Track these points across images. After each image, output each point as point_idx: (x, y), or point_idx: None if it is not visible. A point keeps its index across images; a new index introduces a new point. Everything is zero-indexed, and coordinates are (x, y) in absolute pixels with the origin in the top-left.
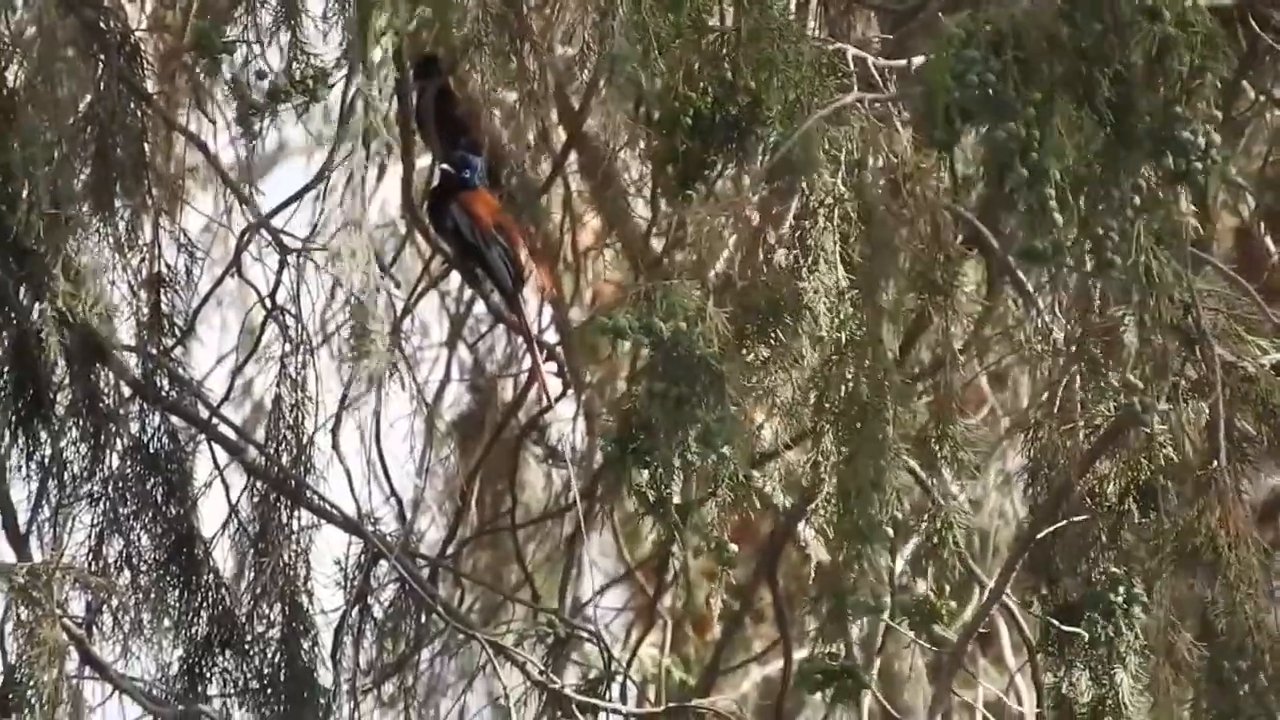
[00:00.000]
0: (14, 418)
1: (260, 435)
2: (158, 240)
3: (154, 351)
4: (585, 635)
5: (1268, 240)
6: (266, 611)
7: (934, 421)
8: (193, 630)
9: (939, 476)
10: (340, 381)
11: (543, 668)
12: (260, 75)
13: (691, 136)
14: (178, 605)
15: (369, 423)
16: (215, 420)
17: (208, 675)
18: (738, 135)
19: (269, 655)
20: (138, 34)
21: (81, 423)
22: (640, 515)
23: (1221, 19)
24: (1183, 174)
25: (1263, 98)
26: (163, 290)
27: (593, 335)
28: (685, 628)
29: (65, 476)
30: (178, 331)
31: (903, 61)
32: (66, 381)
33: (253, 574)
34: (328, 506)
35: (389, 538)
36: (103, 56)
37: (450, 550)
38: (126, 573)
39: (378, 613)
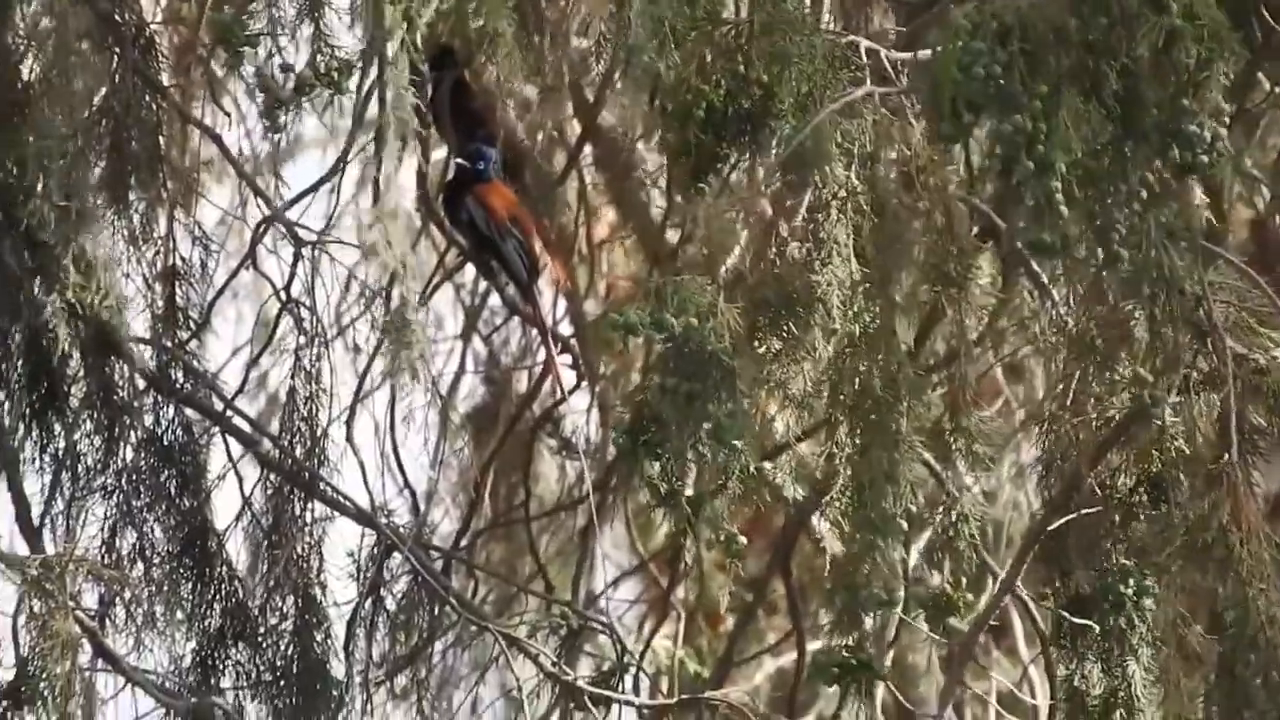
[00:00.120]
0: (28, 410)
1: (274, 428)
2: (173, 233)
3: (169, 344)
4: (598, 627)
5: None
6: (280, 604)
7: (948, 413)
8: (206, 623)
9: (954, 469)
10: (354, 374)
11: (556, 659)
12: (285, 69)
13: (704, 130)
14: (191, 598)
15: (383, 415)
16: (229, 413)
17: (221, 668)
18: (750, 128)
19: (282, 648)
20: (152, 27)
21: (95, 415)
22: (652, 508)
23: (1236, 10)
24: (1189, 167)
25: (1278, 89)
26: (178, 283)
27: (605, 332)
28: (698, 620)
29: (79, 469)
30: (192, 324)
31: (916, 54)
32: (81, 374)
33: (266, 566)
34: (341, 499)
35: (402, 530)
36: (117, 49)
37: (464, 542)
38: (140, 565)
39: (391, 605)
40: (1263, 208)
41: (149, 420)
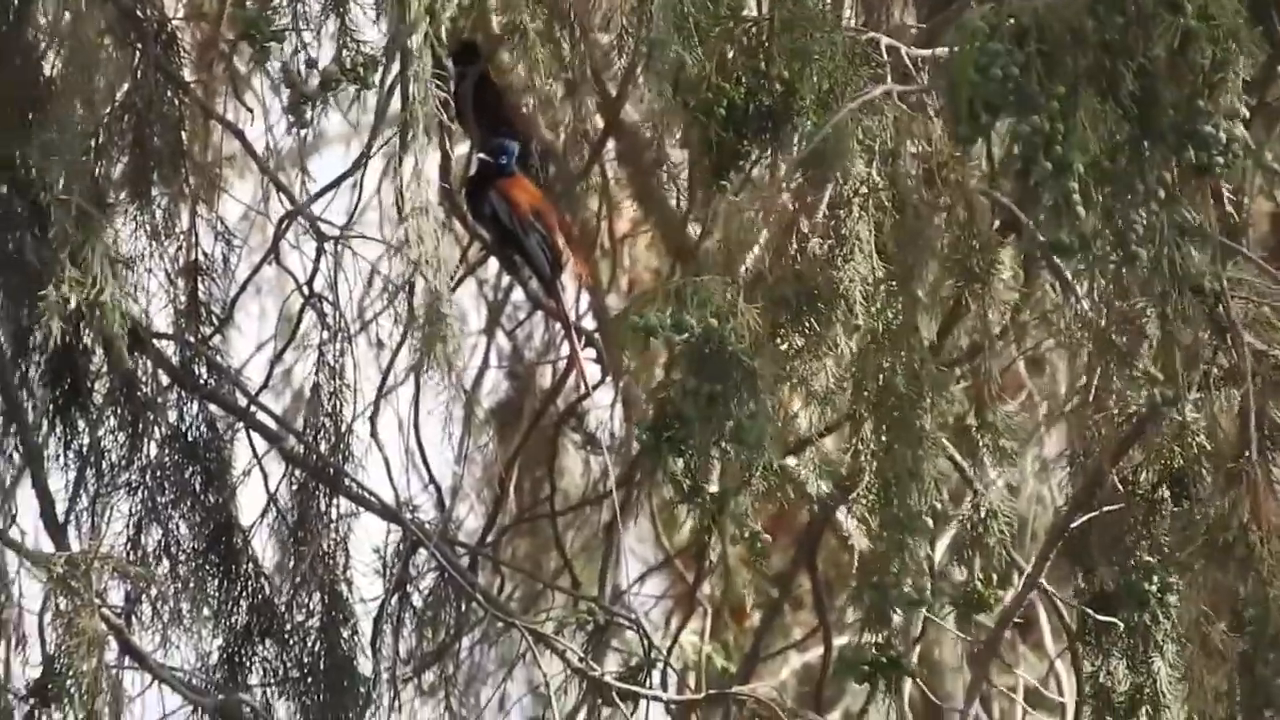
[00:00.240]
0: (52, 406)
1: (299, 423)
2: (195, 228)
3: (192, 340)
4: (625, 623)
5: None
6: (306, 600)
7: (973, 408)
8: (232, 619)
9: (979, 464)
10: (378, 369)
11: (583, 655)
12: (310, 64)
13: (725, 127)
14: (217, 594)
15: (407, 411)
16: (254, 408)
17: (247, 664)
18: (772, 125)
19: (309, 644)
20: (174, 22)
21: (119, 411)
22: (676, 504)
23: (1257, 3)
24: (1205, 168)
25: None
26: (200, 278)
27: (625, 333)
28: (724, 615)
29: (103, 465)
30: (216, 320)
31: (936, 50)
32: (104, 370)
33: (292, 562)
34: (366, 494)
35: (428, 525)
36: (139, 45)
37: (489, 538)
38: (165, 562)
39: (417, 601)
40: None
41: (173, 416)
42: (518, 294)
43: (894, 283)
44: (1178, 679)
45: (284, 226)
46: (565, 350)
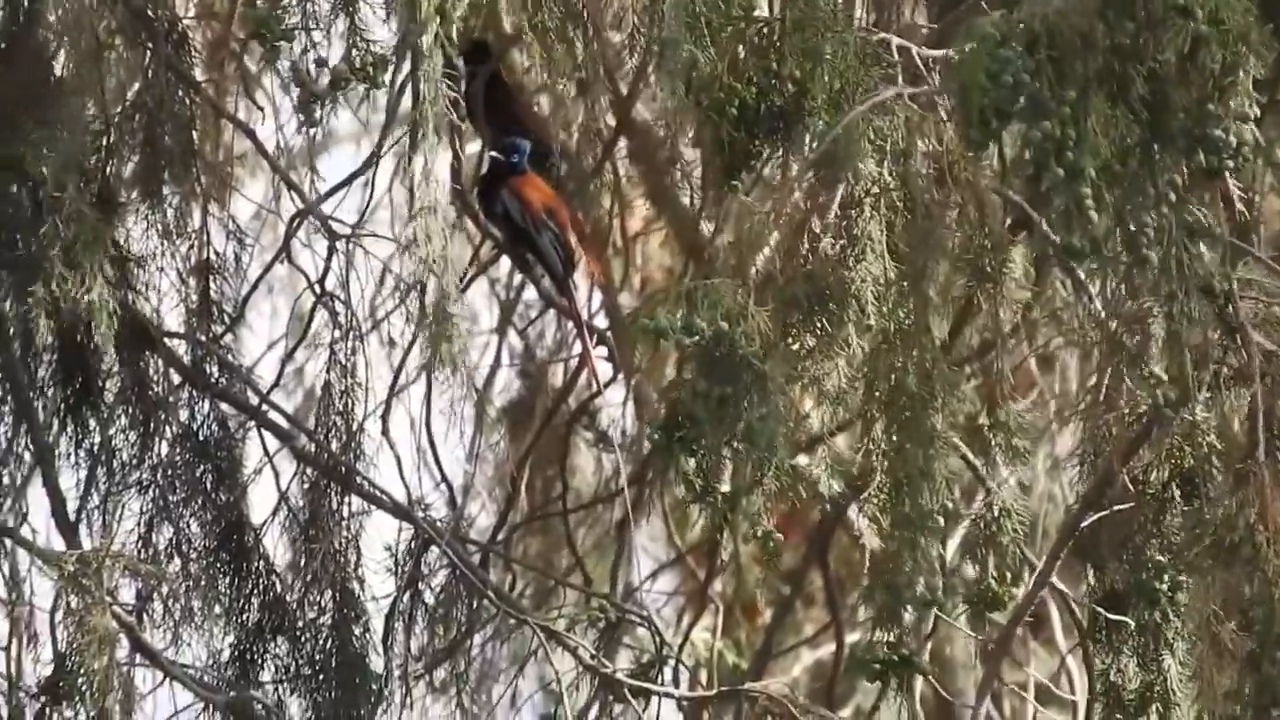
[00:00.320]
0: (63, 405)
1: (310, 421)
2: (206, 227)
3: (203, 338)
4: (637, 620)
5: None
6: (317, 598)
7: (984, 407)
8: (244, 617)
9: (991, 463)
10: (389, 368)
11: (594, 652)
12: (320, 63)
13: (737, 127)
14: (228, 592)
15: (419, 409)
16: (265, 407)
17: (259, 662)
18: (783, 125)
19: (320, 642)
20: (185, 22)
21: (131, 410)
22: (688, 503)
23: (1267, 3)
24: (1215, 171)
25: None
26: (212, 277)
27: (635, 336)
28: (736, 612)
29: (114, 464)
30: (227, 318)
31: (947, 51)
32: (115, 368)
33: (303, 560)
34: (378, 492)
35: (439, 523)
36: (150, 44)
37: (501, 536)
38: (176, 560)
39: (429, 598)
40: None
41: (184, 415)
42: (530, 292)
43: (905, 282)
44: (1188, 677)
45: (295, 225)
46: (577, 348)
